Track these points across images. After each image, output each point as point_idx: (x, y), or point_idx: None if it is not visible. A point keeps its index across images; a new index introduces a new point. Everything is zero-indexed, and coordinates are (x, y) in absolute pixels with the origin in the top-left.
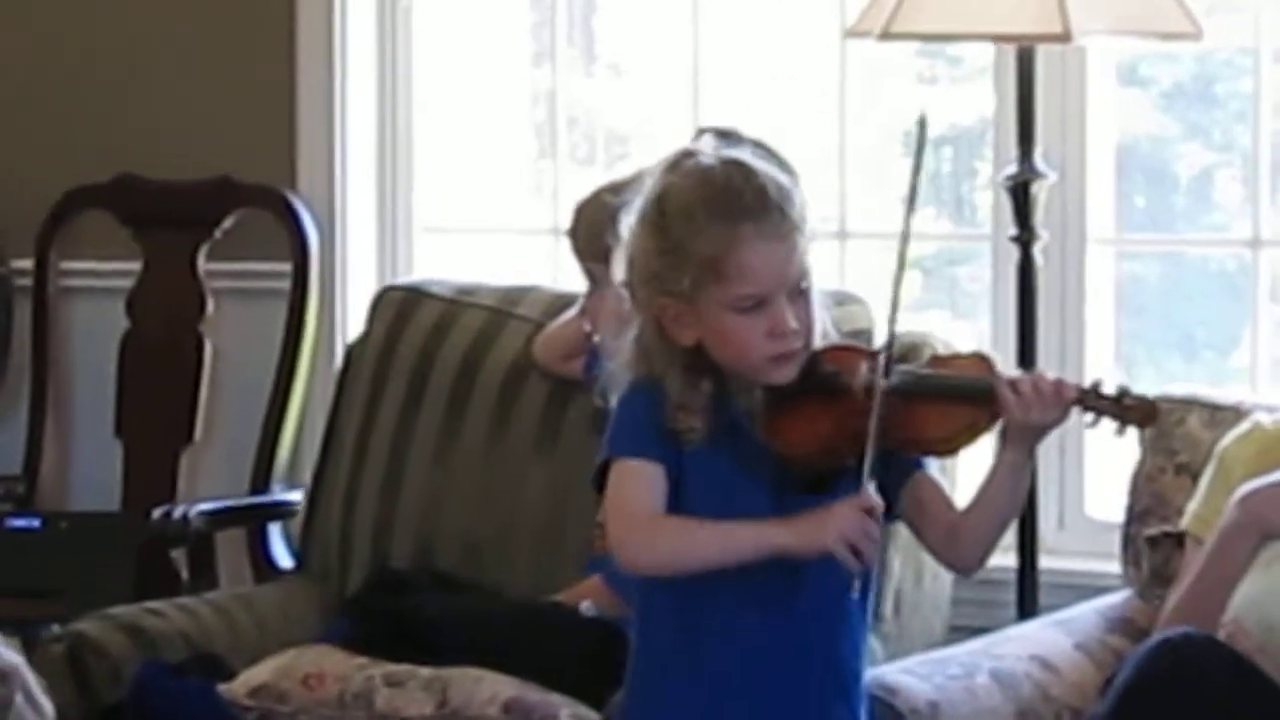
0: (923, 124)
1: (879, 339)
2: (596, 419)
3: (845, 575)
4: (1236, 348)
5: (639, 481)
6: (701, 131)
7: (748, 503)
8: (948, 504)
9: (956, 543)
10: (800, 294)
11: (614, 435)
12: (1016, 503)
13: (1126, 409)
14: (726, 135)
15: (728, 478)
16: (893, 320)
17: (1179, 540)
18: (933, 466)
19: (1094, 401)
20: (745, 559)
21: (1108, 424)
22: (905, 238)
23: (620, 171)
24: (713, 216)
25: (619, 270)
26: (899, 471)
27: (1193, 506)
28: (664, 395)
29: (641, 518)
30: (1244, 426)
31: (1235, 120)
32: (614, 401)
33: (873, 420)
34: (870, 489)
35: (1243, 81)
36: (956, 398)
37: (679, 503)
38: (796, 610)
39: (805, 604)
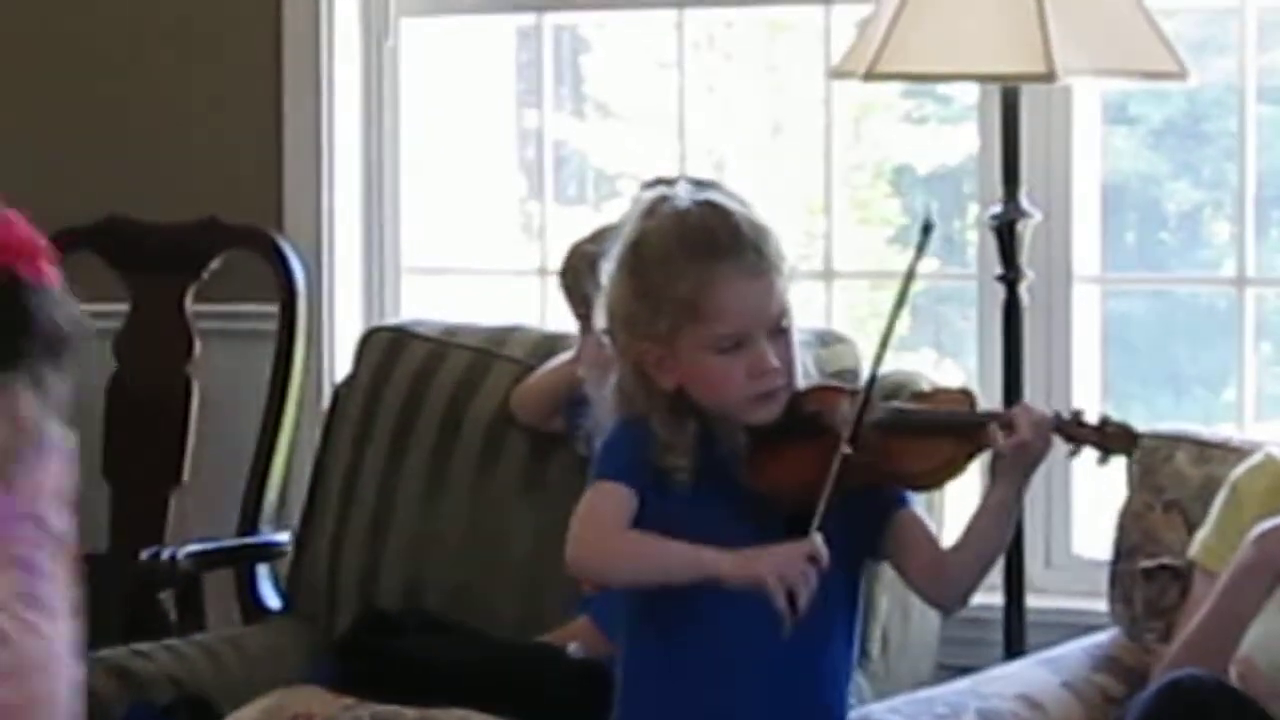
0: (928, 227)
1: (865, 378)
2: (582, 467)
3: (777, 615)
4: (1227, 385)
5: (609, 498)
6: (652, 183)
7: (733, 544)
8: (932, 541)
9: (940, 580)
10: (780, 333)
11: (599, 462)
12: (1002, 543)
13: (1107, 436)
14: (701, 184)
15: (714, 519)
16: (873, 372)
17: (1174, 573)
18: (917, 504)
19: (1074, 430)
20: (680, 581)
21: (1089, 452)
22: (893, 321)
23: (608, 211)
24: (689, 257)
25: (599, 318)
26: (882, 509)
27: (1202, 536)
28: (651, 434)
29: (601, 525)
30: (1256, 458)
31: (1224, 158)
32: (599, 443)
33: (830, 474)
34: (817, 538)
35: (1231, 120)
36: (937, 431)
37: None
38: (781, 649)
39: (789, 643)
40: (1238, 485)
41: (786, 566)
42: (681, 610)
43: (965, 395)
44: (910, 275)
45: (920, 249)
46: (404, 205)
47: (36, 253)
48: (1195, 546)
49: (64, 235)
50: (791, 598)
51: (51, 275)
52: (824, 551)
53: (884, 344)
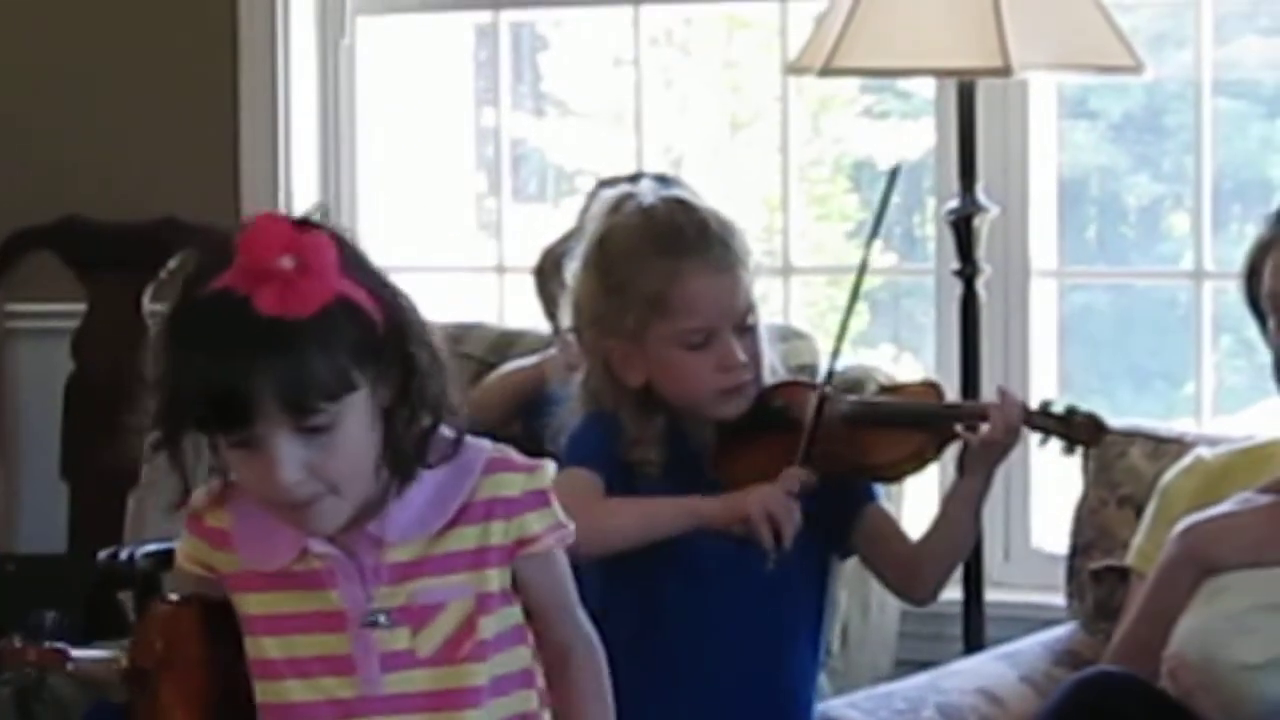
0: (895, 173)
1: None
2: None
3: (760, 552)
4: (1188, 378)
5: (579, 480)
6: (607, 181)
7: (702, 537)
8: (900, 536)
9: (911, 574)
10: (747, 329)
11: (566, 453)
12: (971, 534)
13: (1074, 427)
14: (662, 180)
15: None
16: (841, 334)
17: (1123, 574)
18: (881, 497)
19: (1042, 420)
20: (670, 530)
21: (1056, 443)
22: (862, 268)
23: (567, 208)
24: (656, 253)
25: (564, 315)
26: (850, 504)
27: (1136, 541)
28: (620, 427)
29: (580, 501)
30: (1186, 460)
31: (1184, 152)
32: (566, 439)
33: (809, 412)
34: (799, 471)
35: (1191, 114)
36: (906, 423)
37: None
38: (749, 640)
39: (757, 635)
40: (1167, 489)
41: (770, 500)
42: (650, 600)
43: (932, 388)
44: (881, 212)
45: (888, 190)
46: (361, 203)
47: (268, 276)
48: (1130, 553)
49: (21, 235)
50: (777, 533)
51: (293, 306)
52: (807, 477)
53: (855, 292)
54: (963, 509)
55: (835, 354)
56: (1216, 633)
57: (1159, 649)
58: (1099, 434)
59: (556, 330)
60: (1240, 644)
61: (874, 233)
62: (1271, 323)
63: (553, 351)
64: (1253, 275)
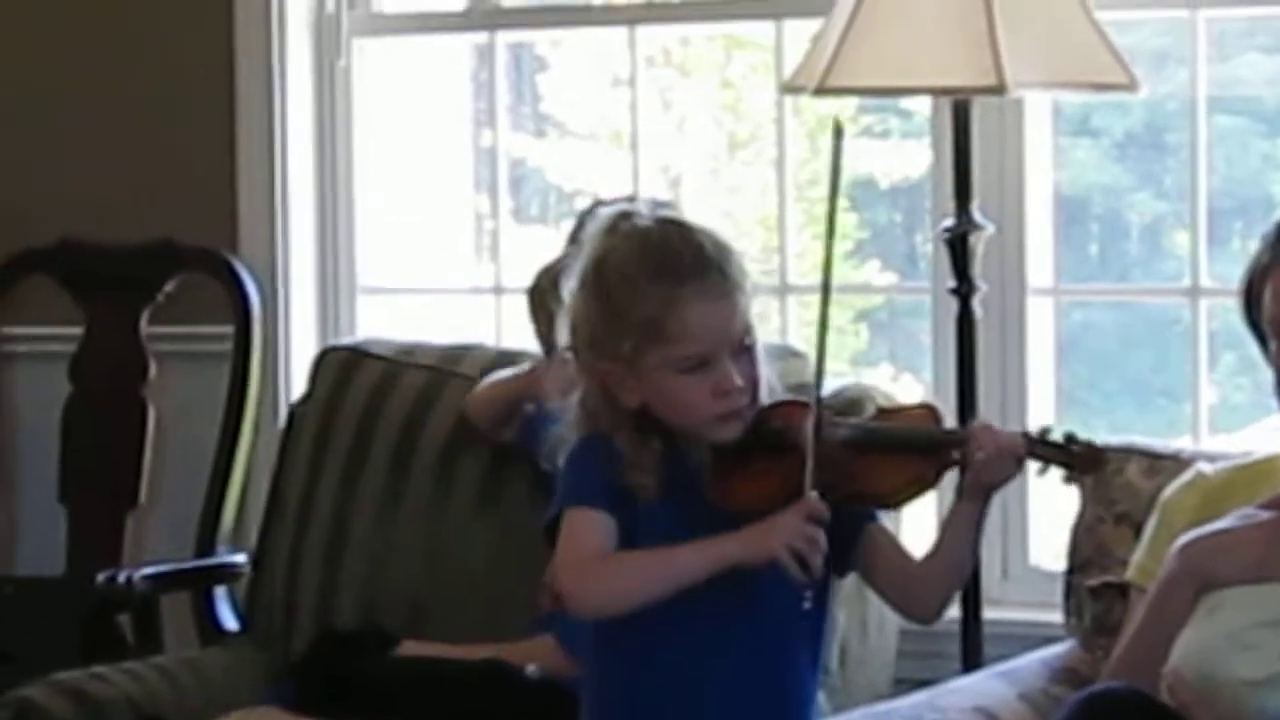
0: (839, 132)
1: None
2: (542, 483)
3: (795, 589)
4: (1191, 396)
5: (591, 527)
6: (597, 203)
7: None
8: (903, 554)
9: (914, 593)
10: (744, 351)
11: (566, 487)
12: (970, 556)
13: (1073, 456)
14: (659, 204)
15: (679, 534)
16: (820, 347)
17: (1121, 590)
18: (881, 516)
19: (1041, 450)
20: (698, 577)
21: (1056, 471)
22: (828, 263)
23: (566, 229)
24: (652, 278)
25: (561, 335)
26: (851, 524)
27: (1136, 557)
28: (615, 451)
29: (593, 559)
30: (1186, 476)
31: (1186, 169)
32: (563, 461)
33: (809, 428)
34: (813, 496)
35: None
36: (904, 450)
37: None
38: (749, 667)
39: (758, 661)
40: (1167, 504)
41: (793, 533)
42: (649, 633)
43: (930, 411)
44: (835, 182)
45: (837, 155)
46: (359, 225)
47: None
48: (1130, 568)
49: (19, 258)
50: (804, 562)
51: None
52: (822, 507)
53: (823, 316)
54: (961, 533)
55: (818, 384)
56: (1216, 649)
57: (1159, 664)
58: (1100, 462)
59: (548, 351)
60: (1240, 660)
61: (833, 202)
62: (1273, 345)
63: (540, 361)
64: (1251, 297)
